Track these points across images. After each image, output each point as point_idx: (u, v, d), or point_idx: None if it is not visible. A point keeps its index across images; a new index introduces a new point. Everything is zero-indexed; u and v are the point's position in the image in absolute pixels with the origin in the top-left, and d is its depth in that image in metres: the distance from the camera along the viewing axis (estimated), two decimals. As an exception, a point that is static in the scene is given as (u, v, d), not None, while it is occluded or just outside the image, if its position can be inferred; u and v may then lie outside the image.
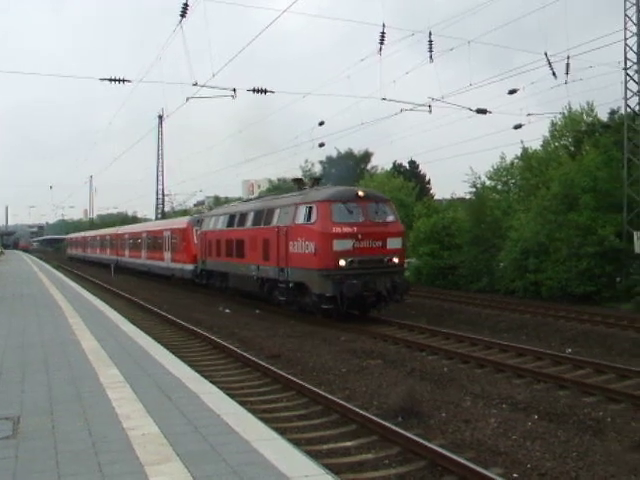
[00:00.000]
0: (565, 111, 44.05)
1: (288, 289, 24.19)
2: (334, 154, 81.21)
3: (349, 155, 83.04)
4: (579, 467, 8.87)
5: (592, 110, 43.87)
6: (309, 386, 13.13)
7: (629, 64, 29.61)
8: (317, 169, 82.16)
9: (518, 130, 31.93)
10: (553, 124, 45.46)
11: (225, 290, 32.91)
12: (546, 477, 8.62)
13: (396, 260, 22.96)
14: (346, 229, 22.01)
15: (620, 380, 13.94)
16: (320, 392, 12.61)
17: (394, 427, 10.23)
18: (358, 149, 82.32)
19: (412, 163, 61.02)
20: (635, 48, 29.34)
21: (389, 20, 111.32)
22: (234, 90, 25.76)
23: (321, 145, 38.05)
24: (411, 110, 28.95)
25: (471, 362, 15.82)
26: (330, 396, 12.29)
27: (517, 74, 38.01)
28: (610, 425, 10.70)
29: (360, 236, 22.02)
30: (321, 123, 35.04)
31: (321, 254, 21.94)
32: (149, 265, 48.70)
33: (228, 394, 10.46)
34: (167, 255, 43.46)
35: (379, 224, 23.01)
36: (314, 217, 22.53)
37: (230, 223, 31.63)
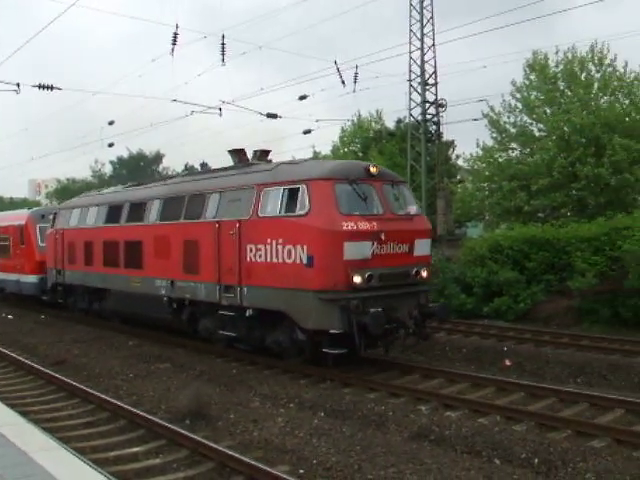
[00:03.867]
0: (354, 118, 45.75)
1: (242, 319, 15.78)
2: (125, 154, 79.78)
3: (141, 156, 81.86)
4: (362, 459, 9.20)
5: (380, 118, 45.86)
6: (95, 392, 12.76)
7: (413, 76, 31.23)
8: (107, 169, 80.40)
9: (308, 135, 32.71)
10: (343, 130, 47.09)
11: (100, 314, 23.26)
12: (331, 471, 8.85)
13: (425, 274, 15.43)
14: (363, 225, 13.96)
15: (401, 376, 14.58)
16: (107, 398, 12.29)
17: (182, 430, 10.18)
18: (150, 150, 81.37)
19: (204, 165, 60.74)
20: (419, 62, 31.01)
21: (182, 21, 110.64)
22: (18, 85, 24.49)
23: (111, 145, 37.05)
24: (202, 112, 28.83)
25: (260, 364, 15.94)
26: (117, 402, 12.01)
27: (308, 80, 39.32)
28: (391, 418, 11.17)
29: (383, 236, 14.20)
30: (111, 122, 34.05)
31: (322, 265, 13.71)
32: None
33: (8, 404, 10.01)
34: None
35: (403, 218, 15.31)
36: (305, 205, 14.08)
37: (112, 217, 21.67)
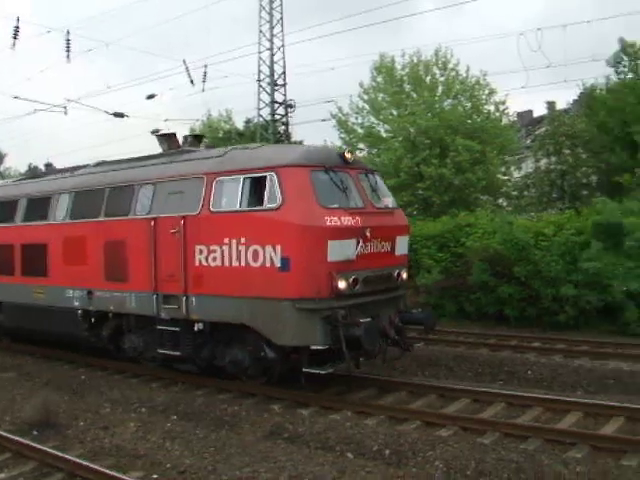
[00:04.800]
0: (204, 118, 45.49)
1: (188, 335, 13.15)
2: (-37, 154, 76.22)
3: (-21, 155, 78.47)
4: (217, 460, 9.19)
5: (230, 118, 45.78)
6: None
7: (262, 77, 31.40)
8: (-57, 169, 76.57)
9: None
10: (192, 130, 46.69)
11: None
12: (185, 474, 8.80)
13: (404, 275, 13.55)
14: (347, 220, 11.84)
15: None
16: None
17: (28, 441, 9.80)
18: (-11, 149, 78.05)
19: (49, 165, 58.87)
20: (268, 62, 31.22)
21: (24, 14, 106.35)
22: None
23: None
24: (47, 110, 27.80)
25: (110, 368, 15.52)
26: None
27: (157, 79, 38.64)
28: (245, 418, 11.19)
29: (368, 233, 12.09)
30: (-54, 120, 32.42)
31: (301, 269, 11.46)
32: None
33: None
34: None
35: (384, 212, 13.22)
36: (277, 197, 11.65)
37: (2, 216, 18.03)
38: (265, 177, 11.86)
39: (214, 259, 12.37)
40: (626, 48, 30.39)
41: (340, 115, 33.44)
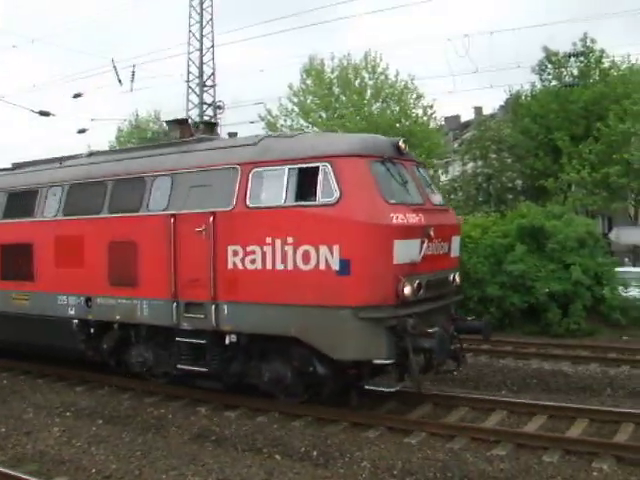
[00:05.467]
0: (132, 118, 45.10)
1: (216, 349, 11.52)
2: None
3: None
4: (143, 465, 9.09)
5: (158, 119, 45.51)
6: None
7: (192, 77, 31.25)
8: None
9: (84, 134, 31.79)
10: (120, 130, 46.32)
11: None
12: (111, 479, 8.68)
13: (458, 279, 12.18)
14: (412, 218, 10.39)
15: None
16: None
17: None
18: None
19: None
20: (197, 63, 31.09)
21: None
22: None
23: None
24: (-32, 108, 27.09)
25: (32, 372, 15.14)
26: None
27: (85, 77, 38.27)
28: (171, 421, 11.08)
29: (432, 232, 10.60)
30: None
31: (364, 273, 9.99)
32: None
33: None
34: None
35: (441, 209, 11.94)
36: (334, 191, 10.17)
37: None
38: (317, 168, 10.40)
39: (252, 261, 10.80)
40: (550, 56, 31.24)
41: (269, 117, 33.48)
